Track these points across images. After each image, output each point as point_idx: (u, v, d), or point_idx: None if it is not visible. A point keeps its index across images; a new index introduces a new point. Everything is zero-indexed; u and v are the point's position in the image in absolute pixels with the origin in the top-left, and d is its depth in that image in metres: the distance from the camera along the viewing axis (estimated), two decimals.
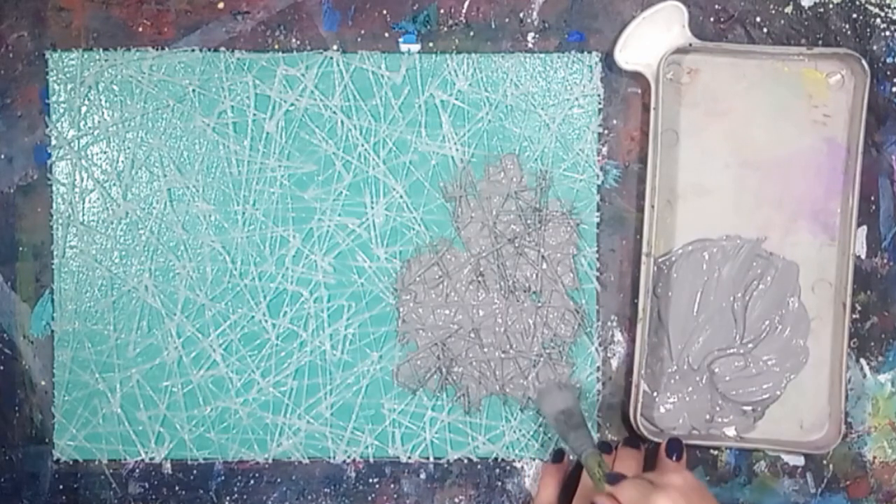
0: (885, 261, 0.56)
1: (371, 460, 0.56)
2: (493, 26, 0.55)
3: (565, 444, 0.53)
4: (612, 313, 0.56)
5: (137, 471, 0.56)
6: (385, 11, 0.55)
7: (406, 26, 0.55)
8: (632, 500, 0.46)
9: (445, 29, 0.55)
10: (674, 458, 0.51)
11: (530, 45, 0.55)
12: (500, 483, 0.56)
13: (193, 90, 0.55)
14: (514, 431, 0.55)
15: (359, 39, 0.55)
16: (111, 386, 0.55)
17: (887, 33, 0.56)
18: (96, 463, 0.56)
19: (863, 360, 0.56)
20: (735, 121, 0.55)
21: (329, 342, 0.55)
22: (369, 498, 0.56)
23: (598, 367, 0.55)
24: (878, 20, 0.56)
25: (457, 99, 0.55)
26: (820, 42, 0.55)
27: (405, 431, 0.55)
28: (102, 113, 0.55)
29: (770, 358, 0.55)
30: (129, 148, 0.55)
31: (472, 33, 0.55)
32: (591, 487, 0.51)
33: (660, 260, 0.55)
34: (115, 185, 0.55)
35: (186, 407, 0.55)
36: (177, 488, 0.56)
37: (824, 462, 0.56)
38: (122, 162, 0.55)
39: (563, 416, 0.52)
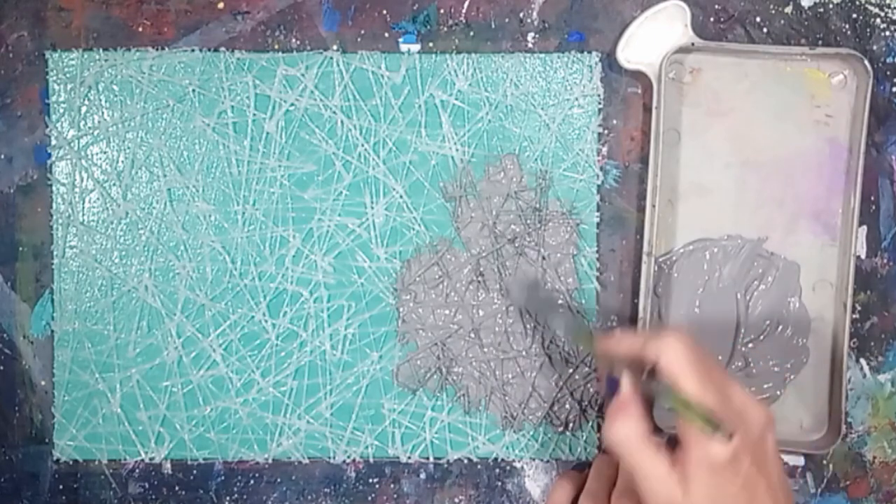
0: (885, 261, 0.56)
1: (371, 460, 0.56)
2: (493, 26, 0.55)
3: (559, 330, 0.54)
4: (612, 313, 0.56)
5: (137, 471, 0.56)
6: (385, 11, 0.55)
7: (406, 26, 0.55)
8: (630, 350, 0.44)
9: (445, 29, 0.55)
10: None
11: (530, 45, 0.55)
12: (500, 483, 0.56)
13: (193, 90, 0.55)
14: (514, 431, 0.55)
15: (359, 39, 0.55)
16: (111, 386, 0.55)
17: (887, 33, 0.55)
18: (96, 463, 0.56)
19: (863, 360, 0.56)
20: (737, 120, 0.55)
21: (329, 342, 0.55)
22: (369, 498, 0.56)
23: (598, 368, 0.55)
24: (878, 20, 0.55)
25: (457, 99, 0.55)
26: (820, 42, 0.55)
27: (405, 431, 0.55)
28: (102, 113, 0.55)
29: (770, 358, 0.55)
30: (129, 148, 0.55)
31: (472, 33, 0.55)
32: (600, 487, 0.51)
33: (660, 259, 0.55)
34: (115, 185, 0.55)
35: (186, 407, 0.55)
36: (177, 488, 0.56)
37: (824, 462, 0.56)
38: (122, 162, 0.55)
39: (539, 302, 0.53)
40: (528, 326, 0.55)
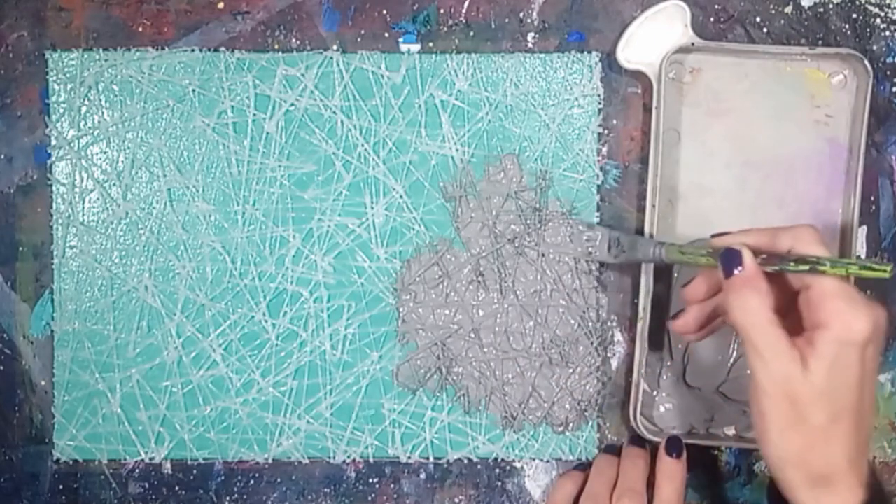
0: (885, 261, 0.56)
1: (371, 460, 0.56)
2: (493, 26, 0.55)
3: (636, 259, 0.52)
4: (612, 313, 0.56)
5: (137, 471, 0.56)
6: (385, 11, 0.55)
7: (406, 26, 0.55)
8: (759, 241, 0.44)
9: (445, 29, 0.55)
10: (673, 457, 0.51)
11: (530, 45, 0.55)
12: (500, 483, 0.56)
13: (193, 90, 0.55)
14: (514, 431, 0.55)
15: (359, 39, 0.55)
16: (111, 386, 0.55)
17: (887, 33, 0.55)
18: (96, 463, 0.56)
19: None
20: (737, 120, 0.55)
21: (329, 342, 0.55)
22: (369, 498, 0.56)
23: (598, 367, 0.55)
24: (878, 20, 0.55)
25: (457, 99, 0.55)
26: (820, 42, 0.55)
27: (405, 431, 0.55)
28: (102, 113, 0.55)
29: None
30: (129, 148, 0.55)
31: (472, 33, 0.55)
32: (601, 487, 0.51)
33: None
34: (115, 185, 0.55)
35: (186, 407, 0.55)
36: (177, 488, 0.56)
37: None
38: (122, 162, 0.55)
39: (616, 246, 0.52)
40: (527, 326, 0.55)
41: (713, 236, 0.47)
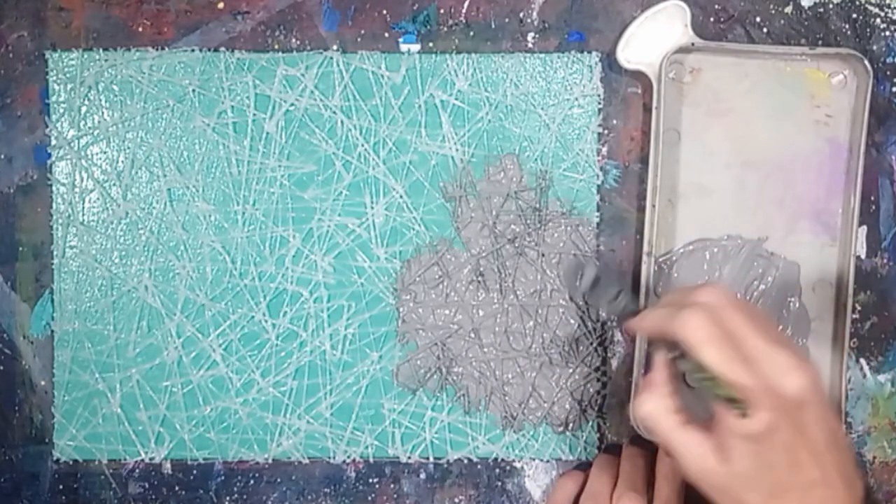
0: (885, 261, 0.56)
1: (371, 460, 0.56)
2: (493, 26, 0.55)
3: (604, 310, 0.54)
4: (612, 313, 0.56)
5: (137, 471, 0.56)
6: (385, 11, 0.55)
7: (406, 26, 0.55)
8: (654, 327, 0.44)
9: (445, 29, 0.55)
10: (673, 457, 0.51)
11: (530, 45, 0.55)
12: (500, 483, 0.56)
13: (193, 90, 0.55)
14: (514, 431, 0.55)
15: (359, 39, 0.55)
16: (111, 386, 0.55)
17: (887, 33, 0.55)
18: (96, 463, 0.56)
19: (863, 360, 0.56)
20: (737, 120, 0.55)
21: (329, 342, 0.55)
22: (369, 498, 0.56)
23: (598, 367, 0.55)
24: (878, 20, 0.55)
25: (457, 99, 0.55)
26: (820, 42, 0.55)
27: (405, 431, 0.55)
28: (102, 113, 0.55)
29: None
30: (129, 148, 0.55)
31: (472, 33, 0.55)
32: (601, 486, 0.51)
33: (660, 259, 0.55)
34: (115, 185, 0.55)
35: (186, 407, 0.55)
36: (177, 488, 0.56)
37: None
38: (122, 162, 0.55)
39: (596, 289, 0.52)
40: (527, 326, 0.55)
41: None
